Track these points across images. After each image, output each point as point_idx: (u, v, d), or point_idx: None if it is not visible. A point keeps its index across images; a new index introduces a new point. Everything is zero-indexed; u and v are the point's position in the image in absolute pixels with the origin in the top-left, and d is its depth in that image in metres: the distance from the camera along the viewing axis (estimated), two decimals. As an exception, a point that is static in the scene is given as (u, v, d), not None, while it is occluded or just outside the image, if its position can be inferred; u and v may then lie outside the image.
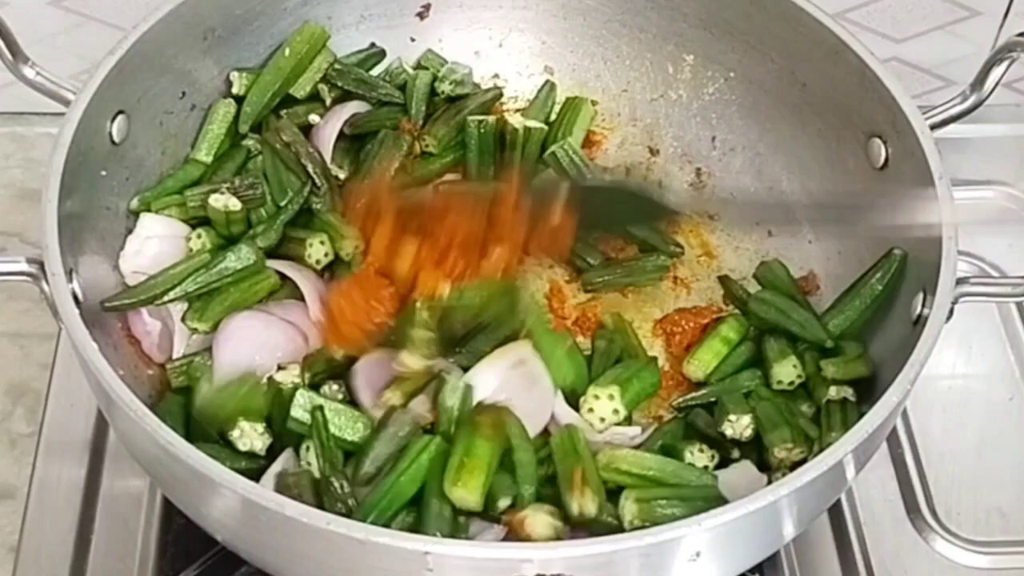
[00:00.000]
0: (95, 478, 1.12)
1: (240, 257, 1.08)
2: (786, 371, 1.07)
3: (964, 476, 1.15)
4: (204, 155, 1.15)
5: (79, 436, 1.13)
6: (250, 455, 1.00)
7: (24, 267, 0.95)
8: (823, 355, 1.07)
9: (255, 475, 0.97)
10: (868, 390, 1.03)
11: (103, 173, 1.06)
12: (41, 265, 0.94)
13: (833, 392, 1.04)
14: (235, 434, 0.99)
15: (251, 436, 1.00)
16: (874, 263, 1.07)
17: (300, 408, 0.99)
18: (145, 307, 1.06)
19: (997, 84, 1.06)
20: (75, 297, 0.95)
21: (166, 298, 1.05)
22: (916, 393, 0.92)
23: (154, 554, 1.06)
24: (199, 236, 1.11)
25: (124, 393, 0.87)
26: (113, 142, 1.06)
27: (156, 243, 1.10)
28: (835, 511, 1.11)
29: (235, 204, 1.10)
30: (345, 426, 1.00)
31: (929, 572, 1.10)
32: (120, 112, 1.06)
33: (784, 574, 1.07)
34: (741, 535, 0.87)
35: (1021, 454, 1.17)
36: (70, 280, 0.94)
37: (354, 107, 1.20)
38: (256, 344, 1.05)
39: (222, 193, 1.10)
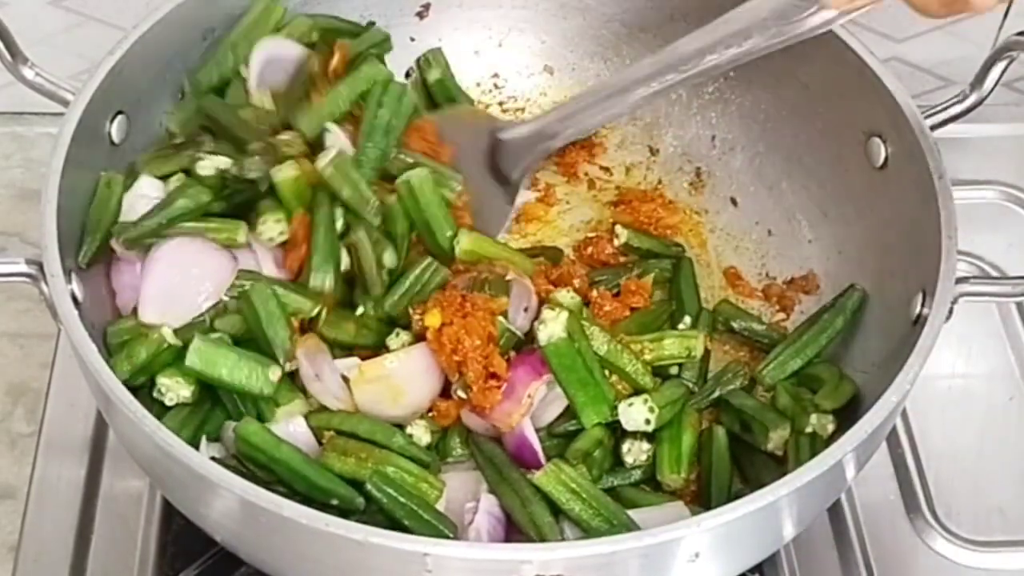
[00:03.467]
0: (95, 478, 1.11)
1: (190, 196, 1.04)
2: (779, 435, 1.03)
3: (964, 476, 1.15)
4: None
5: (79, 436, 1.13)
6: (182, 406, 0.99)
7: (23, 268, 0.95)
8: (801, 384, 1.06)
9: (195, 428, 0.98)
10: (855, 405, 1.03)
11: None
12: (40, 266, 0.94)
13: (814, 420, 1.01)
14: (161, 391, 0.98)
15: (174, 388, 0.98)
16: (833, 299, 1.09)
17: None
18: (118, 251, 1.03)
19: (997, 83, 1.06)
20: (74, 297, 0.95)
21: (115, 236, 1.02)
22: (916, 393, 0.93)
23: (154, 554, 1.06)
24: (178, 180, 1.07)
25: (123, 394, 0.87)
26: (113, 142, 1.06)
27: (146, 204, 1.06)
28: (835, 511, 1.11)
29: (224, 162, 1.05)
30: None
31: (929, 572, 1.10)
32: (120, 112, 1.06)
33: (784, 574, 1.07)
34: (741, 535, 0.87)
35: (1021, 454, 1.17)
36: (69, 281, 0.94)
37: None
38: (185, 272, 1.03)
39: (203, 158, 1.05)
